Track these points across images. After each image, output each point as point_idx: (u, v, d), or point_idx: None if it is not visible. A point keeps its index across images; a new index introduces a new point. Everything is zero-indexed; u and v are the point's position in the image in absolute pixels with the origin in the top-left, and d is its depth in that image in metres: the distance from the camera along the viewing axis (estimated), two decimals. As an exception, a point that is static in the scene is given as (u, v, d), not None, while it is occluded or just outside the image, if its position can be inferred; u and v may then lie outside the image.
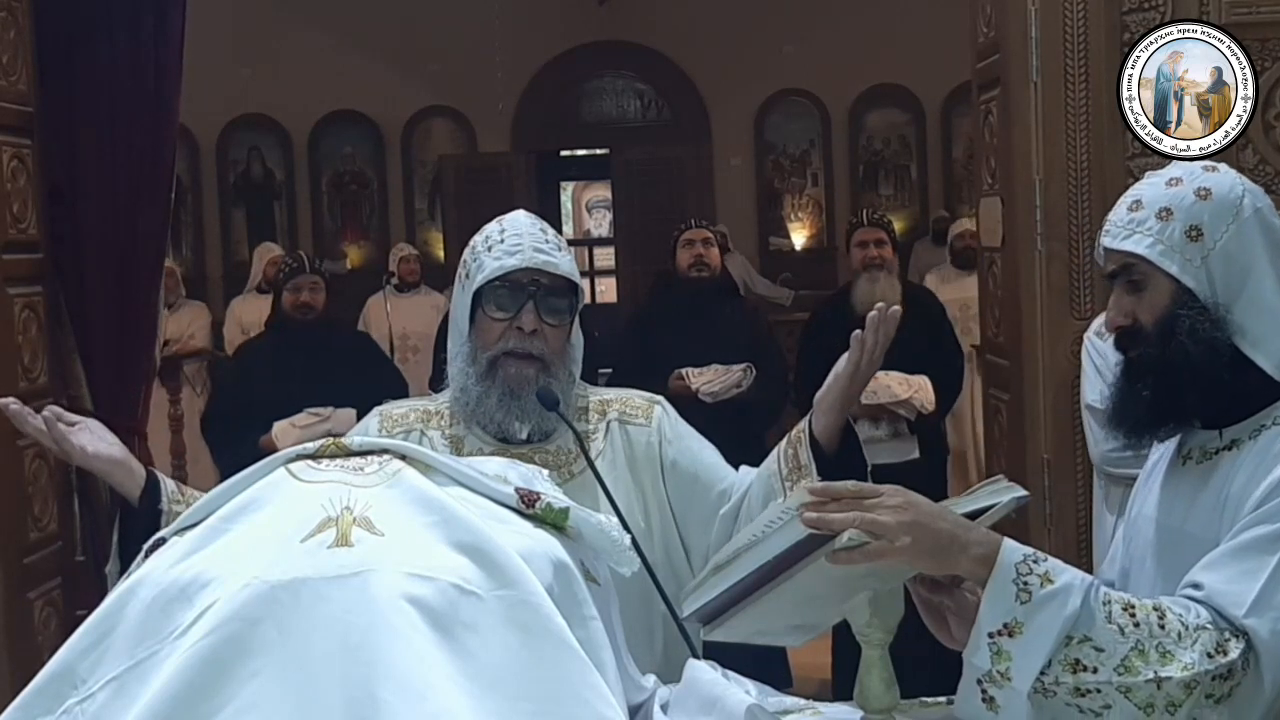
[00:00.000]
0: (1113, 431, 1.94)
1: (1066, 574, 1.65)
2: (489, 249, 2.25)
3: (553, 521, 1.41)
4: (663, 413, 2.38)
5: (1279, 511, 1.69)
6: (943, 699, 1.95)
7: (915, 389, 4.81)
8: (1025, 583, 1.63)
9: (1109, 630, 1.62)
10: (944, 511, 1.70)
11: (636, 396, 2.40)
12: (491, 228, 2.31)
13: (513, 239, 2.24)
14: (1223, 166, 1.91)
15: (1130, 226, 1.84)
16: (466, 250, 2.31)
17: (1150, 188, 1.87)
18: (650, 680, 1.68)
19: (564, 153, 12.15)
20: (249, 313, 8.15)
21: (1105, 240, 1.89)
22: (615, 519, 1.49)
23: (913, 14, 9.78)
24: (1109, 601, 1.64)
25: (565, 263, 2.26)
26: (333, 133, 11.13)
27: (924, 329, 4.98)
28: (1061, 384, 3.51)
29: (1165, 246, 1.81)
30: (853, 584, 1.73)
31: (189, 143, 10.32)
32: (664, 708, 1.67)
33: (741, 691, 1.78)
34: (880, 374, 4.75)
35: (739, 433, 4.85)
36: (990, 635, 1.62)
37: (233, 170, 11.13)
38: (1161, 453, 1.96)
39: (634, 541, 1.51)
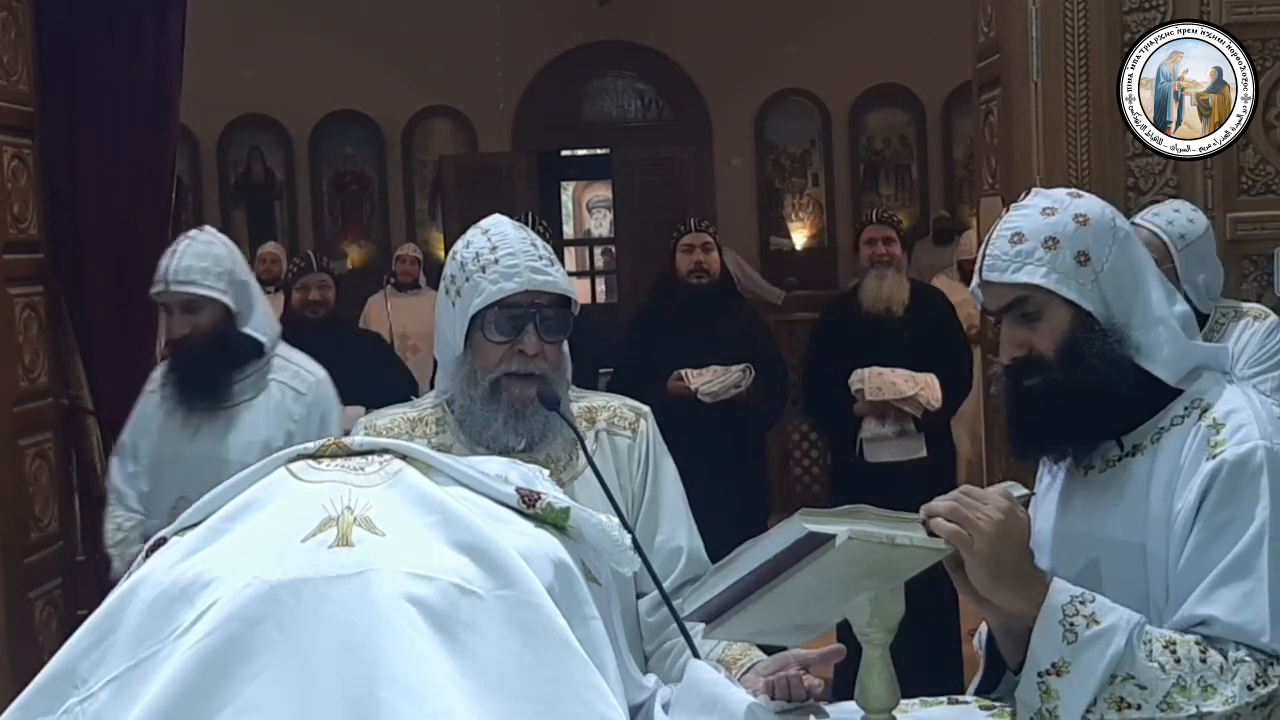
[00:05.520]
0: (1022, 457, 1.97)
1: (1114, 614, 1.70)
2: (482, 269, 2.20)
3: (553, 521, 1.40)
4: (648, 428, 2.37)
5: (1233, 527, 1.72)
6: (943, 699, 1.95)
7: (921, 386, 4.80)
8: (1071, 624, 1.69)
9: (1150, 668, 1.67)
10: (1027, 545, 1.74)
11: (624, 407, 2.39)
12: (479, 242, 2.24)
13: (507, 259, 2.19)
14: (1084, 193, 1.94)
15: (1019, 259, 1.85)
16: (452, 264, 2.26)
17: (1025, 219, 1.88)
18: (651, 680, 1.68)
19: (564, 152, 12.14)
20: (249, 313, 8.13)
21: (990, 275, 1.89)
22: (616, 519, 1.49)
23: (913, 14, 9.77)
24: (1149, 640, 1.69)
25: (562, 279, 2.24)
26: (333, 133, 11.12)
27: (931, 326, 4.97)
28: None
29: (1060, 275, 1.83)
30: (853, 584, 1.73)
31: (189, 143, 10.30)
32: (665, 707, 1.67)
33: (743, 691, 1.78)
34: (885, 371, 4.76)
35: (738, 433, 4.88)
36: (1039, 674, 1.69)
37: (233, 170, 11.11)
38: (1051, 475, 2.00)
39: (634, 542, 1.52)
